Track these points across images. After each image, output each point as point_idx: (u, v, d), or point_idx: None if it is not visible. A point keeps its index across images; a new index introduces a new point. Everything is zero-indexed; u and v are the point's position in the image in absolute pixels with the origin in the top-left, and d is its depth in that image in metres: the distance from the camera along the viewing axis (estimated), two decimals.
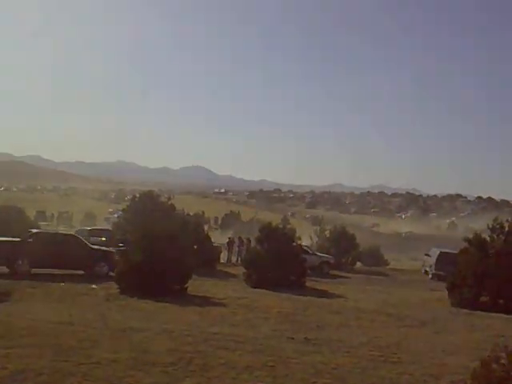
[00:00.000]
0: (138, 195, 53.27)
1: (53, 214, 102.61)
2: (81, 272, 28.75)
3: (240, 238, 49.03)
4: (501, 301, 25.63)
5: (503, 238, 26.80)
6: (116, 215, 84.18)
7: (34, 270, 27.74)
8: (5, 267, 28.25)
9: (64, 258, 28.75)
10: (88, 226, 57.23)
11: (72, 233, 33.24)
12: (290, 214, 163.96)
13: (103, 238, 43.37)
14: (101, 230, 50.31)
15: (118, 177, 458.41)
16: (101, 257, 30.11)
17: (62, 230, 65.23)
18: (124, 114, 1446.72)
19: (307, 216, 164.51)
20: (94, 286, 25.24)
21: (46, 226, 63.03)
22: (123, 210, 57.84)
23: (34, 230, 31.90)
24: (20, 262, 28.14)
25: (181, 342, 13.91)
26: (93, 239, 43.34)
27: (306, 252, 39.34)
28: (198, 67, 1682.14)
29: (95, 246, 31.38)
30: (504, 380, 7.92)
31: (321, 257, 43.89)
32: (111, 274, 27.40)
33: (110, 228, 53.70)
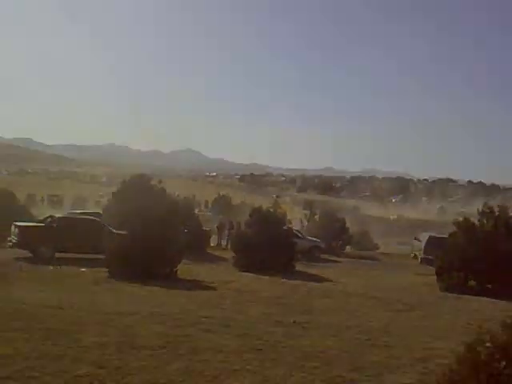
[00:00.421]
0: (128, 178, 53.21)
1: (43, 198, 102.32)
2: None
3: (230, 221, 49.06)
4: (489, 285, 25.75)
5: (493, 222, 26.90)
6: (107, 198, 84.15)
7: (57, 255, 28.23)
8: (29, 252, 28.79)
9: (86, 243, 29.16)
10: (78, 210, 57.05)
11: (94, 218, 33.57)
12: (275, 196, 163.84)
13: None
14: (91, 213, 50.23)
15: (109, 160, 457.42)
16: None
17: (53, 213, 65.14)
18: (115, 97, 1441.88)
19: (288, 197, 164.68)
20: (83, 269, 25.24)
21: (36, 210, 62.80)
22: (113, 194, 57.84)
23: (58, 215, 32.69)
24: (44, 246, 28.68)
25: (169, 326, 13.95)
26: None
27: (296, 236, 39.40)
28: (185, 50, 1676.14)
29: (117, 231, 31.37)
30: (489, 363, 7.98)
31: (311, 241, 43.95)
32: None
33: (101, 211, 53.66)
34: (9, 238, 29.93)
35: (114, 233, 29.89)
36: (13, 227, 29.90)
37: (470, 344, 8.29)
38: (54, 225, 30.14)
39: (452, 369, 8.26)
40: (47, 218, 32.11)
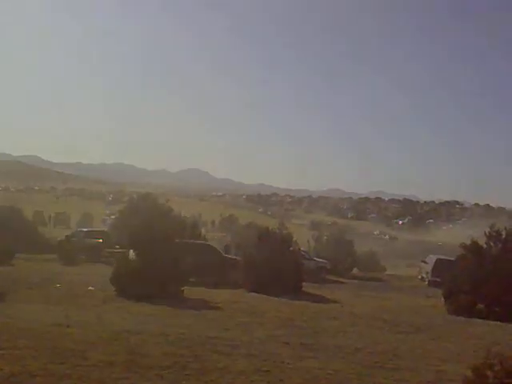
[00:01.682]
0: (135, 197, 53.24)
1: (50, 215, 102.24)
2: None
3: (237, 241, 48.99)
4: (497, 308, 25.62)
5: (500, 245, 26.82)
6: (113, 217, 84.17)
7: None
8: None
9: (200, 266, 30.76)
10: (85, 228, 57.16)
11: (207, 242, 36.49)
12: (291, 217, 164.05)
13: (100, 240, 43.44)
14: (97, 231, 50.34)
15: (116, 178, 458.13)
16: (233, 265, 32.74)
17: (59, 231, 65.22)
18: (123, 116, 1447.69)
19: (302, 222, 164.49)
20: (91, 287, 25.23)
21: (43, 228, 62.91)
22: (120, 212, 57.85)
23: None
24: None
25: (177, 346, 13.91)
26: (89, 241, 43.45)
27: (303, 257, 39.35)
28: (195, 68, 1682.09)
29: (228, 255, 34.68)
30: None
31: (318, 262, 43.90)
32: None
33: (107, 230, 53.71)
34: None
35: (227, 257, 33.20)
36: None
37: (478, 367, 8.25)
38: None
39: None
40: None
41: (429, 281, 42.96)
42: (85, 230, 51.05)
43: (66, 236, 46.72)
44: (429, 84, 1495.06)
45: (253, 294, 28.13)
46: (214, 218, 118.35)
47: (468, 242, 28.05)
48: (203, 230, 62.64)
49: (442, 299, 27.48)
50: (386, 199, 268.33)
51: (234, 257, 34.45)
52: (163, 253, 24.86)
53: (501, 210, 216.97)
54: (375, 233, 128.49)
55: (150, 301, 21.97)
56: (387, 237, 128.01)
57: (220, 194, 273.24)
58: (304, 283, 31.89)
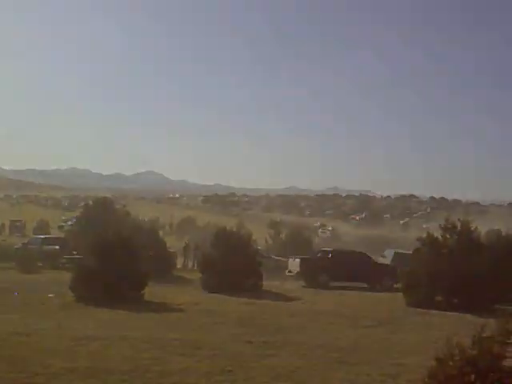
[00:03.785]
0: (91, 202, 52.78)
1: (4, 224, 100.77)
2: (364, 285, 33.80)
3: (196, 242, 48.94)
4: (455, 300, 25.92)
5: (456, 236, 27.15)
6: (70, 223, 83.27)
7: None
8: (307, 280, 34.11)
9: (356, 273, 33.88)
10: (41, 235, 56.53)
11: (362, 251, 38.24)
12: (248, 217, 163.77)
13: (56, 247, 43.01)
14: (54, 238, 49.83)
15: (71, 184, 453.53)
16: (386, 271, 34.71)
17: (15, 239, 64.36)
18: (75, 120, 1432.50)
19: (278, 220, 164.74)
20: (50, 294, 24.98)
21: None
22: (77, 218, 57.37)
23: (328, 249, 38.60)
24: (322, 275, 33.66)
25: (138, 349, 13.85)
26: (46, 248, 42.99)
27: (262, 255, 39.40)
28: (146, 68, 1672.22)
29: (381, 262, 38.02)
30: (460, 376, 8.07)
31: (276, 260, 43.99)
32: (395, 286, 31.62)
33: (64, 236, 53.22)
34: (288, 269, 36.24)
35: (381, 264, 36.40)
36: (291, 260, 36.68)
37: (441, 358, 8.38)
38: (329, 256, 35.42)
39: (424, 383, 8.34)
40: (321, 251, 38.38)
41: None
42: (41, 236, 50.49)
43: (23, 243, 46.18)
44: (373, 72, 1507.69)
45: (213, 294, 28.09)
46: (172, 221, 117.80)
47: (424, 235, 28.38)
48: (161, 233, 62.39)
49: (401, 292, 27.73)
50: (343, 195, 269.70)
51: (390, 264, 37.43)
52: (122, 257, 24.74)
53: (457, 202, 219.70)
54: (315, 225, 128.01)
55: (110, 306, 21.83)
56: (329, 230, 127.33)
57: (177, 195, 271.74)
58: (264, 282, 31.95)
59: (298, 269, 35.15)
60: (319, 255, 37.15)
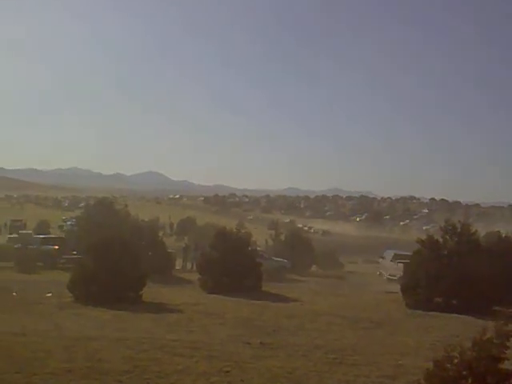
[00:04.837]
0: (91, 202, 52.71)
1: (5, 223, 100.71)
2: None
3: (196, 243, 48.90)
4: (454, 301, 25.89)
5: (456, 238, 27.13)
6: (69, 223, 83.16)
7: None
8: None
9: None
10: (41, 235, 56.45)
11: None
12: (243, 216, 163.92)
13: (56, 247, 42.95)
14: (54, 238, 49.78)
15: (71, 184, 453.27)
16: None
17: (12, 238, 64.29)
18: (77, 121, 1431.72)
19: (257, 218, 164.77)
20: (48, 294, 24.95)
21: None
22: (77, 218, 57.34)
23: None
24: None
25: (136, 350, 13.80)
26: (45, 248, 42.94)
27: (262, 256, 39.36)
28: (147, 66, 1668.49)
29: None
30: (457, 379, 8.01)
31: (276, 261, 43.95)
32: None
33: (64, 236, 53.19)
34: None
35: None
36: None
37: (439, 361, 8.33)
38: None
39: None
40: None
41: (387, 276, 43.29)
42: (41, 236, 50.42)
43: (22, 243, 46.10)
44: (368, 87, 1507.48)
45: (212, 295, 28.06)
46: (172, 221, 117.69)
47: (424, 237, 28.35)
48: (161, 233, 62.37)
49: (401, 294, 27.69)
50: (344, 196, 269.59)
51: None
52: (120, 257, 24.70)
53: (457, 203, 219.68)
54: (305, 228, 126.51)
55: (108, 306, 21.80)
56: (320, 232, 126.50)
57: (177, 196, 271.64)
58: (263, 283, 31.91)
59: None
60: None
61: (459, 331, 19.38)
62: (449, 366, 8.15)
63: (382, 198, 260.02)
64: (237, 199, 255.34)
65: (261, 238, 55.76)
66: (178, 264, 44.99)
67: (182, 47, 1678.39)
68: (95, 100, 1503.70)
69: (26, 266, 38.68)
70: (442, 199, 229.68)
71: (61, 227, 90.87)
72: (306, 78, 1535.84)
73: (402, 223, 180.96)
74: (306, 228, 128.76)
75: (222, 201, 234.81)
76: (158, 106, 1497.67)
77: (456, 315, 23.61)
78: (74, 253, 39.11)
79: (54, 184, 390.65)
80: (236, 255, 30.72)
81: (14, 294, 25.08)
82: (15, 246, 45.68)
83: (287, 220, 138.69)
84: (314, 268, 52.54)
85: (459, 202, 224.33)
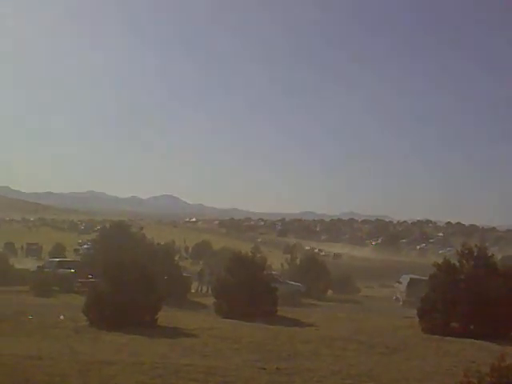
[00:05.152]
0: (108, 226, 52.91)
1: (22, 246, 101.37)
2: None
3: (211, 267, 48.95)
4: (471, 326, 25.69)
5: (472, 262, 26.98)
6: (85, 246, 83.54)
7: None
8: None
9: None
10: (57, 258, 56.67)
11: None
12: (259, 240, 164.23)
13: (71, 270, 43.12)
14: (70, 261, 49.98)
15: (87, 207, 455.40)
16: None
17: (31, 262, 64.51)
18: (92, 143, 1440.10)
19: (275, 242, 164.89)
20: (61, 317, 24.98)
21: (15, 259, 62.19)
22: (93, 241, 57.52)
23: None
24: None
25: (151, 375, 13.75)
26: (61, 271, 43.13)
27: (277, 280, 39.32)
28: (163, 93, 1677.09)
29: None
30: None
31: (292, 285, 43.90)
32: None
33: (79, 259, 53.39)
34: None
35: None
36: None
37: None
38: None
39: None
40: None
41: (403, 301, 43.11)
42: (57, 260, 50.64)
43: (38, 267, 46.33)
44: (398, 103, 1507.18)
45: (227, 319, 27.99)
46: (188, 245, 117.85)
47: (440, 261, 28.22)
48: (176, 257, 62.42)
49: (417, 319, 27.51)
50: (360, 220, 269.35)
51: None
52: (136, 281, 24.71)
53: (473, 227, 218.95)
54: (315, 251, 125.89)
55: (123, 330, 21.79)
56: (331, 255, 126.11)
57: (193, 219, 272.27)
58: (278, 307, 31.81)
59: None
60: None
61: (476, 357, 19.20)
62: None
63: (397, 221, 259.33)
64: (252, 223, 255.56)
65: (276, 261, 55.71)
66: (194, 287, 45.07)
67: (201, 72, 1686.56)
68: (111, 124, 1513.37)
69: (42, 290, 38.84)
70: (458, 223, 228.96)
71: (76, 250, 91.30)
72: (317, 102, 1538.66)
73: (418, 247, 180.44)
74: (316, 251, 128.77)
75: (237, 224, 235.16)
76: (172, 130, 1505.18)
77: (473, 340, 23.38)
78: (90, 276, 39.23)
79: (71, 207, 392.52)
80: (251, 279, 30.70)
81: (30, 317, 25.13)
82: (31, 270, 45.94)
83: (293, 243, 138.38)
84: (329, 292, 52.36)
85: (476, 226, 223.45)
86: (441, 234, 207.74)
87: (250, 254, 34.84)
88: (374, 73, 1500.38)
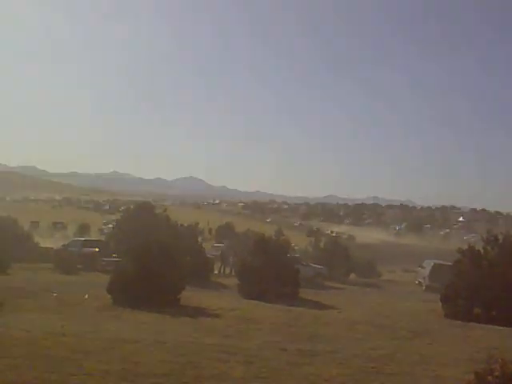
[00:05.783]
0: (132, 206, 53.11)
1: (47, 225, 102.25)
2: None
3: (234, 249, 49.05)
4: (494, 312, 25.58)
5: (497, 249, 26.82)
6: (110, 226, 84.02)
7: None
8: None
9: None
10: (82, 237, 57.06)
11: None
12: (296, 224, 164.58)
13: (96, 249, 43.40)
14: (94, 240, 50.31)
15: (112, 187, 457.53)
16: None
17: (56, 241, 65.05)
18: (119, 125, 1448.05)
19: (296, 224, 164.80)
20: (86, 296, 25.16)
21: (39, 238, 62.74)
22: (117, 221, 57.83)
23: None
24: None
25: (173, 353, 13.82)
26: (85, 250, 43.44)
27: (300, 263, 39.34)
28: (191, 78, 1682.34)
29: None
30: None
31: (314, 268, 43.90)
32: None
33: (104, 239, 53.70)
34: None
35: None
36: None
37: (479, 373, 8.19)
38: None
39: None
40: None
41: (426, 286, 42.97)
42: (82, 239, 51.01)
43: (63, 245, 46.69)
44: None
45: (249, 300, 28.05)
46: (211, 226, 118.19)
47: (465, 247, 28.08)
48: (200, 238, 62.62)
49: (440, 304, 27.42)
50: (383, 205, 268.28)
51: None
52: (159, 261, 24.82)
53: (498, 214, 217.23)
54: (327, 232, 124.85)
55: (146, 309, 21.91)
56: (345, 236, 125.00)
57: (216, 201, 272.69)
58: (301, 289, 31.84)
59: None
60: None
61: (499, 343, 19.11)
62: (490, 378, 8.01)
63: (421, 207, 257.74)
64: (275, 206, 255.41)
65: (300, 244, 55.68)
66: (217, 269, 45.21)
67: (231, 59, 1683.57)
68: (137, 105, 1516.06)
69: (67, 268, 39.16)
70: (483, 209, 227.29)
71: (101, 230, 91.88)
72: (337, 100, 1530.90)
73: (442, 232, 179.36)
74: (327, 232, 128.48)
75: (261, 207, 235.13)
76: (197, 112, 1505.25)
77: (496, 327, 23.27)
78: (114, 255, 39.50)
79: (96, 187, 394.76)
80: (274, 262, 30.75)
81: (55, 294, 25.35)
82: (55, 248, 46.31)
83: (316, 226, 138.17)
84: (352, 276, 52.31)
85: (500, 213, 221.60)
86: (464, 220, 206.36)
87: (274, 237, 34.90)
88: None
